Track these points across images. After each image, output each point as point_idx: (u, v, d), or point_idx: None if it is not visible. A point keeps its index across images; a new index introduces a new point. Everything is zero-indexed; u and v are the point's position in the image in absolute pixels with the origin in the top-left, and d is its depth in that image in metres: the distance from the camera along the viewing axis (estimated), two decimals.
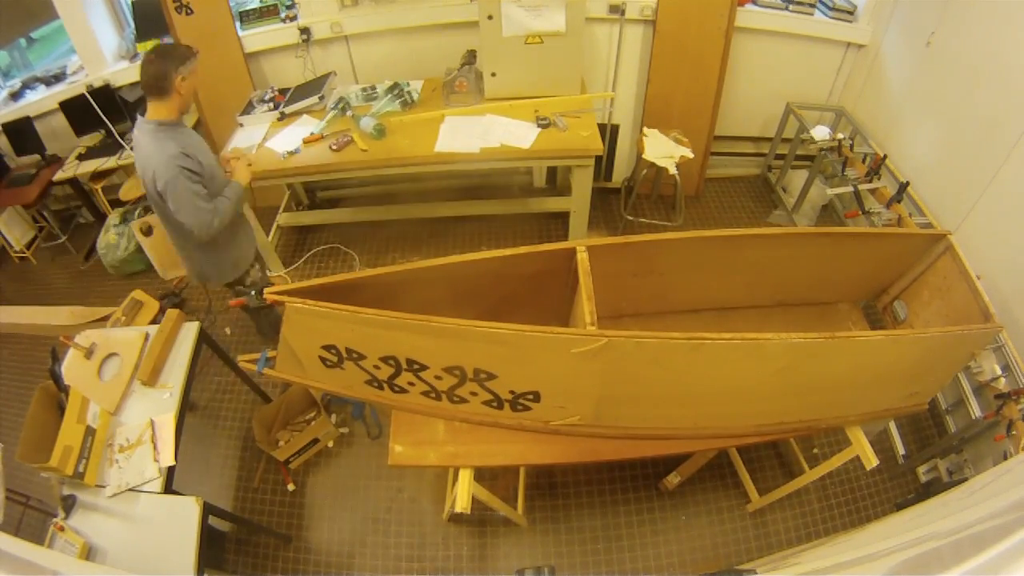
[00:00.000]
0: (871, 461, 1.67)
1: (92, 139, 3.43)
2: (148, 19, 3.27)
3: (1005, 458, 1.96)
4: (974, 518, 1.08)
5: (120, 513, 1.72)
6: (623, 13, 3.04)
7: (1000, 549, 0.81)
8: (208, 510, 1.75)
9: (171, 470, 1.81)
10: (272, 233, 3.29)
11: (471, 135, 2.73)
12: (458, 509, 1.63)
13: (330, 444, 2.59)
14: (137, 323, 2.48)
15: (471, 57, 2.93)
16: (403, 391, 1.54)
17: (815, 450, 2.50)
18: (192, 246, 2.19)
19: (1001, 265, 2.21)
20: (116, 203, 3.42)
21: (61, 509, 1.72)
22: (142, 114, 1.97)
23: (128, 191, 3.32)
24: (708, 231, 1.71)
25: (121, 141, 3.33)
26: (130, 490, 1.75)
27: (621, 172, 3.72)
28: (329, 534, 2.34)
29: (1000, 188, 2.27)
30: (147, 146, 1.94)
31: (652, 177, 3.57)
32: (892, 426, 2.43)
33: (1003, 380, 2.03)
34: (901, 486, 2.38)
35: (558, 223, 3.50)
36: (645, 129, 3.10)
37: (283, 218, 3.40)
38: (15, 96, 3.48)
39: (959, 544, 0.95)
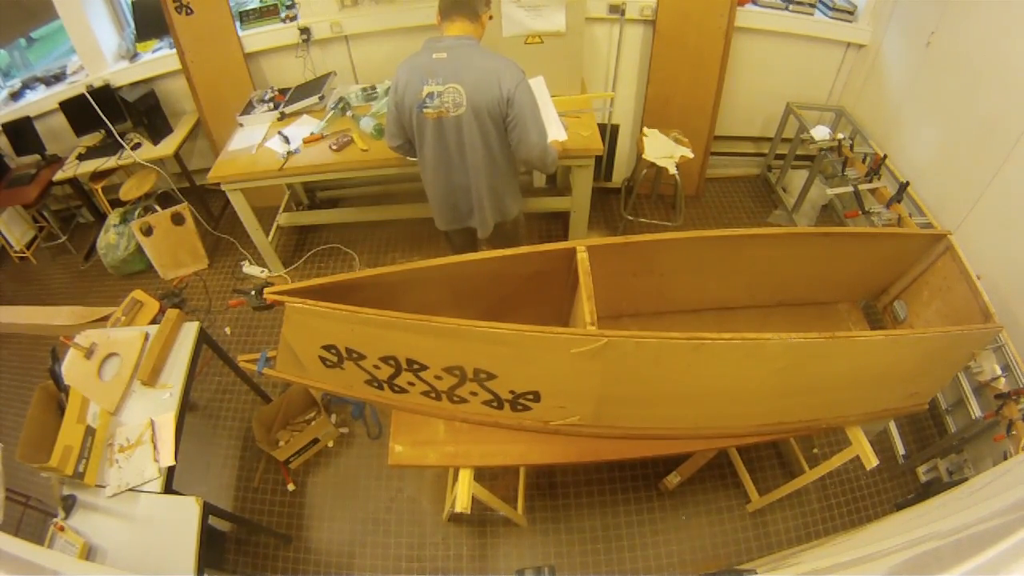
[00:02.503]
0: (871, 461, 1.67)
1: (92, 139, 3.43)
2: (148, 19, 3.27)
3: (1005, 458, 1.96)
4: (974, 518, 1.08)
5: (120, 513, 1.72)
6: (623, 13, 3.04)
7: (1000, 549, 0.80)
8: (208, 510, 1.75)
9: (171, 470, 1.81)
10: (272, 233, 3.29)
11: None
12: (458, 509, 1.63)
13: (330, 444, 2.59)
14: (137, 323, 2.47)
15: None
16: (403, 391, 1.54)
17: (815, 450, 2.50)
18: (509, 174, 2.18)
19: (1001, 265, 2.21)
20: (116, 203, 3.42)
21: (61, 509, 1.72)
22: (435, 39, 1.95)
23: (128, 191, 3.32)
24: (708, 231, 1.70)
25: (121, 141, 3.33)
26: (130, 490, 1.75)
27: (621, 172, 3.72)
28: (329, 534, 2.34)
29: (1000, 188, 2.27)
30: (478, 57, 1.92)
31: (652, 177, 3.58)
32: (892, 426, 2.43)
33: (1003, 380, 2.03)
34: (901, 486, 2.38)
35: (558, 223, 3.50)
36: (645, 129, 3.10)
37: (283, 218, 3.40)
38: (15, 96, 3.48)
39: (959, 544, 0.95)
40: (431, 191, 2.25)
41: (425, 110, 1.96)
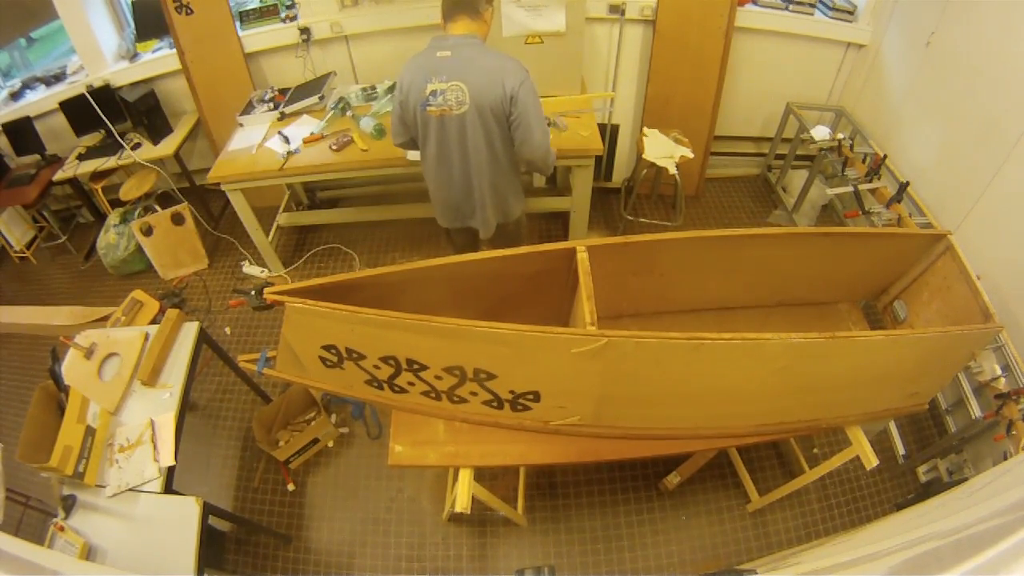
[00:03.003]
0: (871, 461, 1.67)
1: (92, 139, 3.43)
2: (148, 19, 3.27)
3: (1005, 458, 1.96)
4: (974, 518, 1.08)
5: (120, 513, 1.72)
6: (623, 13, 3.04)
7: (1000, 549, 0.80)
8: (208, 510, 1.75)
9: (171, 470, 1.81)
10: (272, 233, 3.29)
11: None
12: (458, 509, 1.63)
13: (330, 444, 2.59)
14: (137, 323, 2.46)
15: None
16: (403, 391, 1.54)
17: (815, 450, 2.50)
18: (512, 174, 2.17)
19: (1001, 265, 2.21)
20: (116, 203, 3.42)
21: (61, 509, 1.72)
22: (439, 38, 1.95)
23: (128, 191, 3.32)
24: (708, 231, 1.70)
25: (121, 141, 3.33)
26: (130, 490, 1.75)
27: (621, 172, 3.72)
28: (329, 534, 2.34)
29: (1000, 188, 2.27)
30: (482, 56, 1.92)
31: (652, 177, 3.58)
32: (892, 426, 2.43)
33: (1003, 380, 2.03)
34: (901, 486, 2.38)
35: (558, 223, 3.50)
36: (645, 129, 3.10)
37: (283, 218, 3.40)
38: (15, 96, 3.47)
39: (959, 544, 0.95)
40: (433, 189, 2.25)
41: (428, 108, 1.97)
